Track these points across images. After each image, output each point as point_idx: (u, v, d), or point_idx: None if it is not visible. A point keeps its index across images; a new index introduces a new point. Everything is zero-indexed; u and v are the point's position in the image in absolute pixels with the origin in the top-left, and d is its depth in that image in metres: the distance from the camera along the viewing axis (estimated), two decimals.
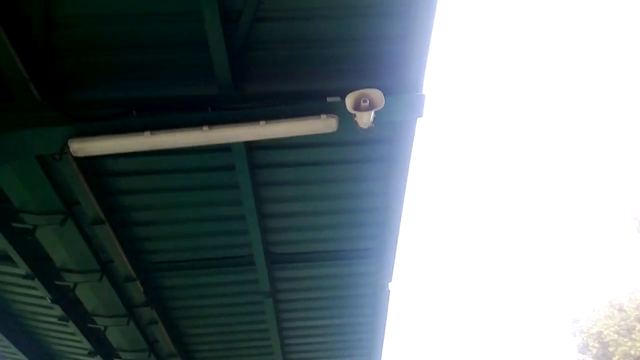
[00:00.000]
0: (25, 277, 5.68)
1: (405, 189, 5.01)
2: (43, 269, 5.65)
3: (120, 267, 5.59)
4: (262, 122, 3.86)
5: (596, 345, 20.19)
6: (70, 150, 3.73)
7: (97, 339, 6.86)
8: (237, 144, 4.23)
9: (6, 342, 7.28)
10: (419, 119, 4.14)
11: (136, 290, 5.95)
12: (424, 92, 3.92)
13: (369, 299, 6.81)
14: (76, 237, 5.04)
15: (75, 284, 5.66)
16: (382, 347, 8.05)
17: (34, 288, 5.97)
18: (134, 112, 3.75)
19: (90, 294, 5.84)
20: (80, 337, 6.72)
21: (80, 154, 3.79)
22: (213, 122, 3.81)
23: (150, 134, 3.78)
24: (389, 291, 6.64)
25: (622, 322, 19.62)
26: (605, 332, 19.83)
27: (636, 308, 19.61)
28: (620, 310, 20.10)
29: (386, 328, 7.51)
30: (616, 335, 19.34)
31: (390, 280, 6.43)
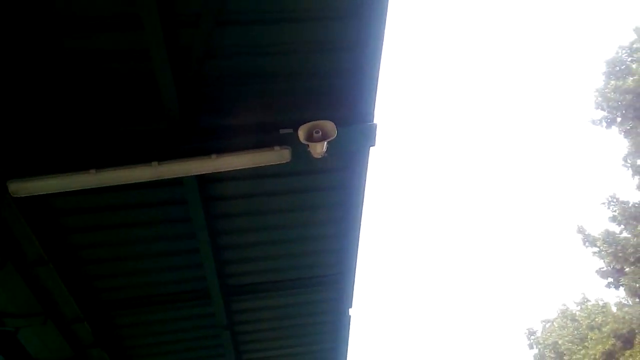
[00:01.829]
0: None
1: (361, 215, 5.02)
2: None
3: (66, 308, 5.30)
4: (213, 156, 3.80)
5: (552, 355, 20.79)
6: (9, 191, 3.53)
7: None
8: (189, 177, 4.13)
9: None
10: (371, 148, 4.18)
11: (85, 331, 5.66)
12: (375, 121, 3.96)
13: (330, 325, 6.75)
14: (16, 280, 4.73)
15: (17, 329, 5.33)
16: None
17: None
18: (79, 149, 3.59)
19: (34, 338, 5.51)
20: None
21: (20, 194, 3.59)
22: (163, 157, 3.71)
23: (96, 171, 3.64)
24: (350, 316, 6.61)
25: (575, 332, 20.32)
26: (560, 342, 20.47)
27: (587, 317, 20.36)
28: (573, 319, 20.82)
29: (348, 354, 7.45)
30: (570, 345, 19.98)
31: (351, 306, 6.40)
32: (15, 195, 3.63)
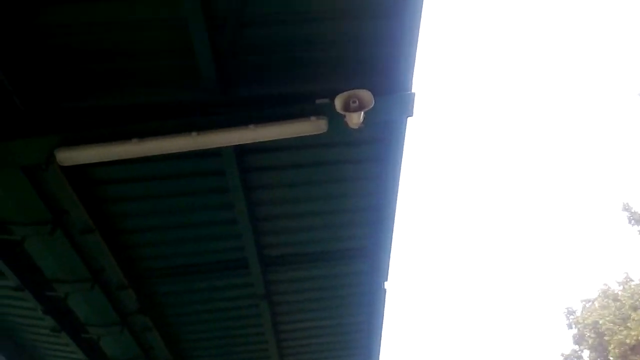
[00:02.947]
0: (15, 289, 5.60)
1: (397, 188, 4.99)
2: (33, 280, 5.57)
3: (112, 275, 5.52)
4: (251, 126, 3.82)
5: (592, 335, 20.35)
6: (57, 160, 3.67)
7: (91, 349, 6.79)
8: (227, 148, 4.18)
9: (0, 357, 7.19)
10: (409, 118, 4.12)
11: (129, 298, 5.89)
12: (413, 90, 3.89)
13: (364, 298, 6.79)
14: (66, 247, 4.96)
15: (67, 294, 5.59)
16: (379, 346, 8.04)
17: (24, 300, 5.88)
18: (121, 119, 3.69)
19: (82, 303, 5.77)
20: (73, 347, 6.65)
21: (67, 163, 3.73)
22: (202, 128, 3.76)
23: (138, 140, 3.73)
24: (385, 290, 6.63)
25: (617, 312, 19.80)
26: (600, 322, 20.00)
27: (630, 297, 19.79)
28: (615, 299, 20.28)
29: (383, 327, 7.51)
30: (611, 325, 19.50)
31: (386, 280, 6.42)
32: (62, 164, 3.77)
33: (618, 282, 20.69)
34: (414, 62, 3.73)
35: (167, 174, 4.61)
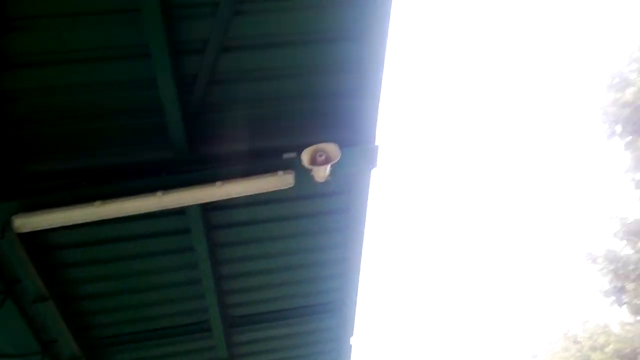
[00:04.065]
0: None
1: (363, 239, 5.04)
2: None
3: (64, 346, 5.17)
4: (218, 183, 3.81)
5: None
6: (14, 227, 3.49)
7: None
8: (193, 206, 4.12)
9: None
10: (373, 170, 4.23)
11: None
12: (377, 143, 4.02)
13: (331, 355, 6.66)
14: (15, 318, 4.64)
15: None
16: None
17: None
18: (84, 182, 3.58)
19: None
20: None
21: (25, 229, 3.55)
22: (167, 187, 3.72)
23: (101, 203, 3.63)
24: (351, 345, 6.53)
25: (578, 354, 20.17)
26: None
27: (589, 337, 20.27)
28: (575, 341, 20.70)
29: None
30: None
31: (352, 335, 6.35)
32: (19, 231, 3.59)
33: (578, 324, 21.18)
34: (377, 115, 3.88)
35: (128, 235, 4.46)
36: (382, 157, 4.11)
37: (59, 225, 3.63)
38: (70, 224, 3.66)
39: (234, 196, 3.92)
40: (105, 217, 3.72)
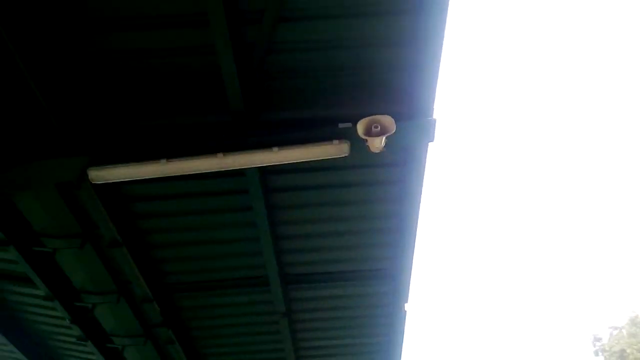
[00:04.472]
0: (45, 298, 5.79)
1: (418, 210, 5.01)
2: (62, 290, 5.75)
3: (137, 289, 5.68)
4: (275, 148, 3.92)
5: None
6: (89, 178, 3.83)
7: (116, 359, 6.94)
8: (251, 168, 4.30)
9: None
10: (430, 143, 4.17)
11: (153, 311, 6.02)
12: (434, 116, 3.95)
13: (385, 319, 6.78)
14: (94, 259, 5.14)
15: (94, 305, 5.76)
16: None
17: (53, 309, 6.07)
18: (150, 139, 3.84)
19: (108, 314, 5.94)
20: (98, 356, 6.80)
21: (98, 181, 3.89)
22: (227, 149, 3.88)
23: (166, 161, 3.87)
24: (406, 312, 6.61)
25: None
26: (628, 351, 19.33)
27: None
28: None
29: (403, 349, 7.46)
30: (639, 354, 18.82)
31: (407, 301, 6.40)
32: (94, 182, 3.93)
33: None
34: (436, 89, 3.79)
35: (193, 192, 4.75)
36: (439, 130, 4.04)
37: (129, 179, 3.94)
38: (138, 178, 3.95)
39: (290, 161, 4.03)
40: (170, 174, 3.97)
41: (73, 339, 6.74)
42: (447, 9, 3.27)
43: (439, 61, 3.58)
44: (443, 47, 3.49)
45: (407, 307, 6.55)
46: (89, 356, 7.17)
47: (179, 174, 4.03)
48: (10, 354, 7.53)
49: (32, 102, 3.67)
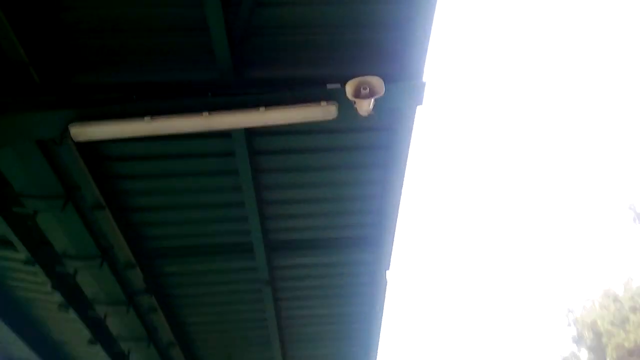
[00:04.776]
0: (25, 262, 5.69)
1: (403, 177, 5.03)
2: (43, 254, 5.67)
3: (120, 253, 5.62)
4: (262, 109, 3.87)
5: (590, 335, 20.29)
6: (71, 135, 3.74)
7: (97, 327, 6.90)
8: (237, 130, 4.25)
9: (5, 328, 7.31)
10: (418, 107, 4.16)
11: (136, 277, 5.98)
12: (424, 79, 3.93)
13: (366, 287, 6.85)
14: (77, 222, 5.06)
15: (76, 270, 5.69)
16: (379, 336, 8.11)
17: (34, 274, 5.99)
18: (134, 96, 3.76)
19: (91, 280, 5.87)
20: (80, 324, 6.76)
21: (81, 138, 3.80)
22: (213, 108, 3.82)
23: (151, 119, 3.79)
24: (387, 280, 6.68)
25: (617, 313, 19.72)
26: (599, 323, 19.93)
27: (630, 298, 19.72)
28: (615, 300, 20.20)
29: (383, 317, 7.56)
30: (610, 326, 19.45)
31: (388, 269, 6.47)
32: (75, 139, 3.84)
33: (620, 284, 20.63)
34: (427, 50, 3.77)
35: (177, 153, 4.69)
36: (429, 94, 4.03)
37: (111, 137, 3.87)
38: (122, 136, 3.88)
39: (277, 123, 3.99)
40: (154, 133, 3.91)
41: (54, 306, 6.65)
42: None
43: (431, 21, 3.56)
44: (435, 7, 3.46)
45: (389, 275, 6.63)
46: (71, 324, 7.12)
47: (163, 133, 3.96)
48: None
49: (14, 54, 3.55)
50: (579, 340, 21.06)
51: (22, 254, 5.56)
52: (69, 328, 7.35)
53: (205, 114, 3.84)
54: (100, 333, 6.99)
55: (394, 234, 5.88)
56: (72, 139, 3.83)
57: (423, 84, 3.97)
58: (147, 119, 3.81)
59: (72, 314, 6.60)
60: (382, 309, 7.35)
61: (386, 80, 3.67)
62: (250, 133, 4.42)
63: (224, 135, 4.36)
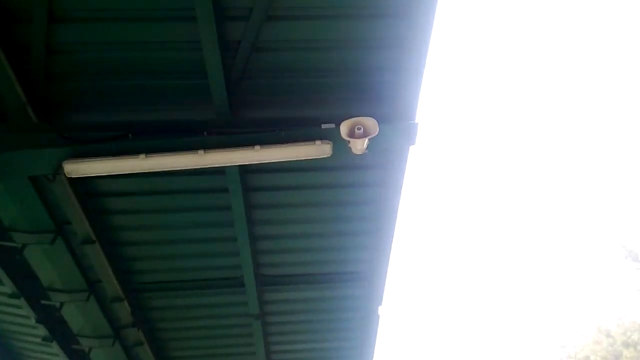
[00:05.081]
0: (10, 295, 5.60)
1: (397, 213, 5.06)
2: (29, 287, 5.57)
3: (108, 287, 5.54)
4: (257, 147, 3.90)
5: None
6: (65, 171, 3.73)
7: None
8: (232, 167, 4.26)
9: None
10: (411, 147, 4.21)
11: (123, 311, 5.89)
12: (417, 120, 3.99)
13: (358, 322, 6.80)
14: (65, 256, 5.01)
15: (62, 304, 5.60)
16: None
17: (19, 307, 5.88)
18: (130, 135, 3.77)
19: (77, 314, 5.78)
20: (63, 358, 6.61)
21: (74, 174, 3.79)
22: (209, 146, 3.85)
23: (145, 156, 3.80)
24: (379, 315, 6.64)
25: (610, 348, 19.69)
26: (592, 358, 19.88)
27: (623, 333, 19.72)
28: (608, 335, 20.19)
29: (375, 352, 7.49)
30: None
31: (380, 304, 6.44)
32: (69, 176, 3.84)
33: (612, 319, 20.66)
34: (419, 92, 3.84)
35: (171, 189, 4.68)
36: (421, 134, 4.09)
37: (106, 173, 3.86)
38: (116, 173, 3.88)
39: (272, 161, 4.01)
40: (148, 170, 3.91)
41: (38, 339, 6.53)
42: (433, 14, 3.33)
43: (423, 65, 3.64)
44: (428, 52, 3.54)
45: (381, 310, 6.60)
46: (54, 357, 6.96)
47: (157, 170, 3.96)
48: None
49: (9, 93, 3.57)
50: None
51: (8, 287, 5.47)
52: None
53: (201, 152, 3.87)
54: None
55: (387, 269, 5.88)
56: (65, 175, 3.82)
57: (416, 125, 4.03)
58: (142, 156, 3.81)
59: (55, 348, 6.46)
60: (374, 343, 7.29)
61: (380, 120, 3.73)
62: (245, 170, 4.43)
63: (218, 172, 4.36)
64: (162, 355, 6.99)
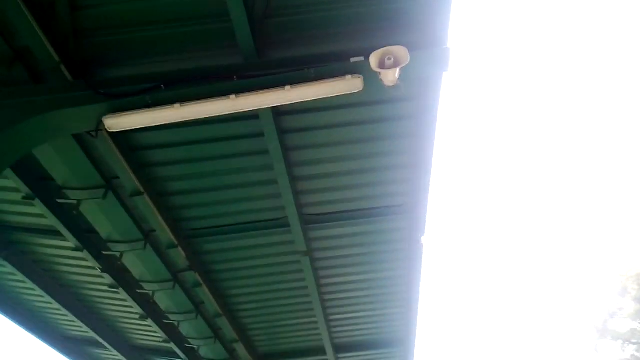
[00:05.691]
0: (74, 249, 5.98)
1: (433, 145, 5.00)
2: (90, 241, 5.94)
3: (161, 235, 5.83)
4: (287, 87, 3.88)
5: (635, 287, 19.98)
6: (105, 127, 3.86)
7: (147, 303, 7.24)
8: (265, 110, 4.28)
9: (64, 311, 7.75)
10: (444, 74, 4.09)
11: (179, 256, 6.21)
12: (449, 45, 3.85)
13: (403, 253, 6.91)
14: (118, 209, 5.27)
15: (122, 253, 5.96)
16: (418, 299, 8.20)
17: (84, 259, 6.29)
18: (162, 86, 3.83)
19: (137, 261, 6.14)
20: (131, 302, 7.10)
21: (115, 129, 3.92)
22: (239, 91, 3.86)
23: (180, 105, 3.87)
24: (422, 245, 6.72)
25: None
26: None
27: None
28: None
29: (421, 280, 7.63)
30: None
31: (423, 234, 6.50)
32: (110, 130, 3.97)
33: None
34: (450, 16, 3.68)
35: (208, 137, 4.78)
36: (454, 60, 3.95)
37: (144, 125, 3.96)
38: (154, 124, 3.97)
39: (303, 100, 3.99)
40: (184, 119, 3.98)
41: (105, 287, 7.01)
42: None
43: None
44: None
45: (424, 240, 6.66)
46: (122, 302, 7.49)
47: (193, 118, 4.03)
48: (48, 305, 7.89)
49: (42, 54, 3.66)
50: (623, 292, 20.76)
51: (71, 241, 5.84)
52: (121, 306, 7.73)
53: (233, 96, 3.89)
54: (149, 309, 7.34)
55: (427, 200, 5.88)
56: (106, 130, 3.95)
57: (448, 50, 3.88)
58: (177, 105, 3.88)
59: (122, 294, 6.94)
60: (420, 272, 7.41)
61: (410, 48, 3.62)
62: (278, 113, 4.45)
63: (252, 117, 4.40)
64: (220, 294, 7.39)
